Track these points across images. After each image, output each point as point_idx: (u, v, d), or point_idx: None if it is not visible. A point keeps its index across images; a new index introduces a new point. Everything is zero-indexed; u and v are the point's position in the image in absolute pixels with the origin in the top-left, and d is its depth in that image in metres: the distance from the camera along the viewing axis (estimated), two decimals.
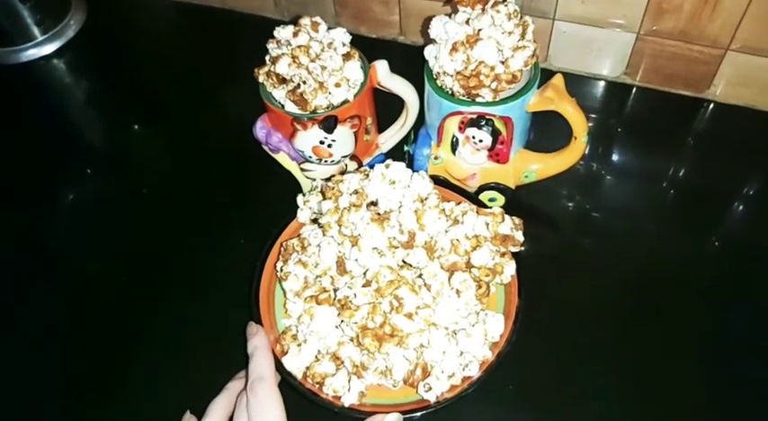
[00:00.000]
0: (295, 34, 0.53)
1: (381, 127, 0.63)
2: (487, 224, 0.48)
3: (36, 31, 0.85)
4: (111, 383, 0.56)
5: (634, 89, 0.73)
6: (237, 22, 0.85)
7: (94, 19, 0.88)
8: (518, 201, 0.61)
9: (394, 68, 0.57)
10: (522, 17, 0.52)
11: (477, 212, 0.49)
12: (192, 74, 0.81)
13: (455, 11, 0.53)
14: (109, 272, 0.63)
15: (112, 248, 0.65)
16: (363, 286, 0.45)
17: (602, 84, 0.74)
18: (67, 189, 0.72)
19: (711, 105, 0.70)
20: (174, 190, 0.69)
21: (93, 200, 0.70)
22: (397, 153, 0.63)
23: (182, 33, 0.89)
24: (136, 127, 0.78)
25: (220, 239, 0.64)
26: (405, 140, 0.63)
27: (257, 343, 0.47)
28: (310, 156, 0.57)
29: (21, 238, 0.67)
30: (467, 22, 0.52)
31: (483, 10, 0.52)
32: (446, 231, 0.47)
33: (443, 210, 0.47)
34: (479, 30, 0.51)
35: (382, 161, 0.51)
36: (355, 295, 0.44)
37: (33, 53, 0.85)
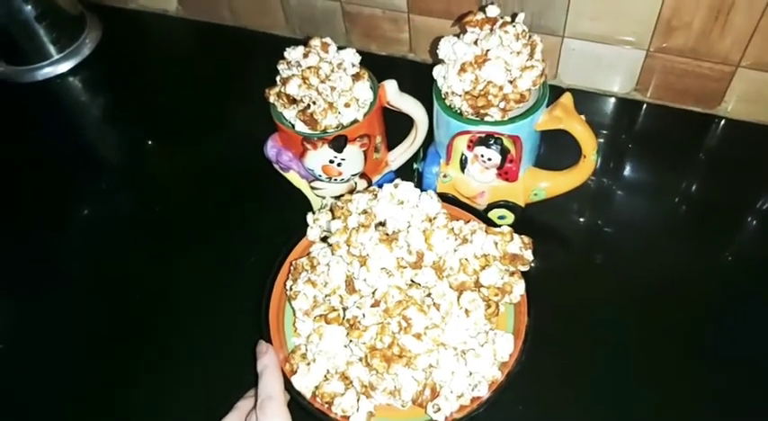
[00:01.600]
0: (305, 55, 0.54)
1: (391, 145, 0.63)
2: (496, 243, 0.48)
3: (52, 49, 0.86)
4: (119, 401, 0.56)
5: (644, 105, 0.73)
6: (249, 39, 0.87)
7: (109, 37, 0.90)
8: (528, 218, 0.61)
9: (403, 86, 0.57)
10: (530, 37, 0.52)
11: (486, 231, 0.49)
12: (204, 92, 0.82)
13: (463, 31, 0.54)
14: (121, 288, 0.64)
15: (125, 264, 0.66)
16: (372, 306, 0.45)
17: (612, 100, 0.74)
18: (82, 205, 0.73)
19: (723, 122, 0.70)
20: (185, 207, 0.70)
21: (108, 216, 0.71)
22: (406, 171, 0.64)
23: (195, 51, 0.90)
24: (149, 144, 0.79)
25: (231, 257, 0.64)
26: (414, 158, 0.63)
27: (267, 362, 0.47)
28: (320, 175, 0.58)
29: (36, 254, 0.68)
30: (475, 42, 0.52)
31: (491, 30, 0.52)
32: (455, 250, 0.47)
33: (452, 229, 0.47)
34: (488, 50, 0.51)
35: (392, 179, 0.51)
36: (364, 315, 0.45)
37: (49, 71, 0.87)
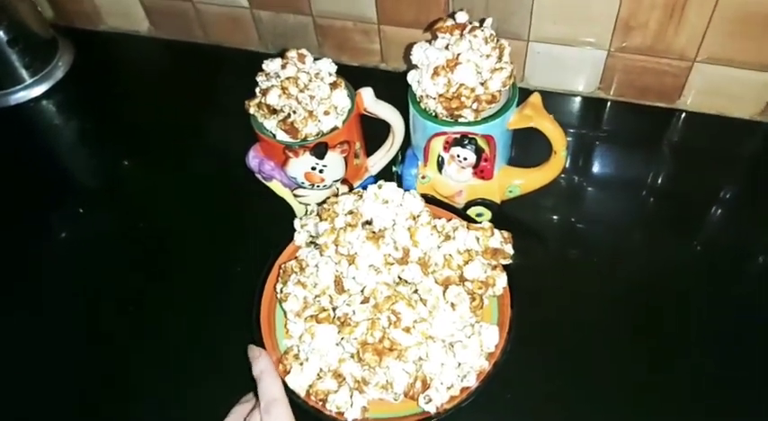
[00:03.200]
0: (283, 66, 0.56)
1: (369, 150, 0.65)
2: (478, 239, 0.50)
3: (24, 73, 0.87)
4: (113, 414, 0.57)
5: (609, 103, 0.76)
6: (223, 56, 0.88)
7: (82, 60, 0.90)
8: (504, 215, 0.63)
9: (377, 94, 0.59)
10: (498, 40, 0.55)
11: (468, 228, 0.51)
12: (180, 109, 0.83)
13: (435, 37, 0.56)
14: (106, 306, 0.64)
15: (110, 283, 0.66)
16: (361, 303, 0.46)
17: (577, 99, 0.77)
18: (62, 229, 0.73)
19: (684, 115, 0.73)
20: (169, 223, 0.71)
21: (89, 238, 0.71)
22: (385, 175, 0.66)
23: (169, 70, 0.91)
24: (128, 163, 0.79)
25: (217, 268, 0.65)
26: (393, 162, 0.65)
27: (263, 366, 0.48)
28: (303, 182, 0.59)
29: (16, 279, 0.68)
30: (446, 47, 0.55)
31: (461, 35, 0.54)
32: (438, 247, 0.49)
33: (435, 226, 0.49)
34: (458, 54, 0.54)
35: (372, 183, 0.53)
36: (354, 312, 0.46)
37: (23, 96, 0.87)
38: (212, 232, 0.69)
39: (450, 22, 0.55)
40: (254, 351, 0.50)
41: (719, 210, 0.66)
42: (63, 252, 0.71)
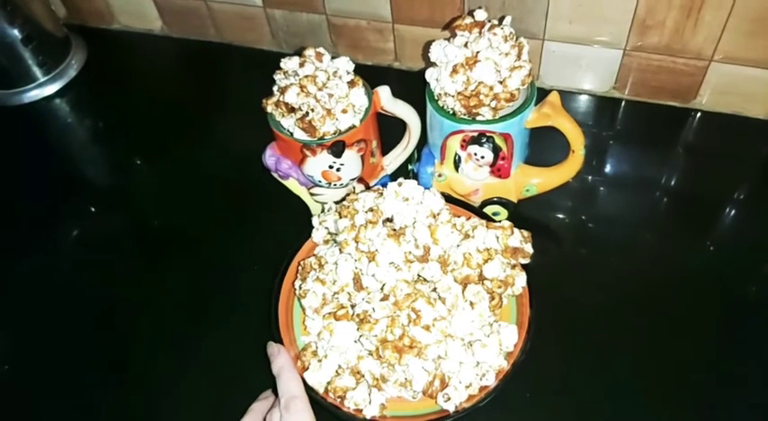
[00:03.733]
0: (301, 65, 0.56)
1: (385, 149, 0.65)
2: (497, 237, 0.50)
3: (38, 72, 0.87)
4: (131, 408, 0.57)
5: (623, 102, 0.76)
6: (236, 55, 0.88)
7: (95, 58, 0.91)
8: (520, 214, 0.63)
9: (392, 93, 0.59)
10: (517, 39, 0.55)
11: (487, 226, 0.50)
12: (193, 108, 0.83)
13: (454, 35, 0.56)
14: (119, 305, 0.64)
15: (123, 282, 0.66)
16: (381, 300, 0.46)
17: (592, 99, 0.76)
18: (75, 227, 0.73)
19: (699, 114, 0.73)
20: (183, 221, 0.71)
21: (103, 235, 0.71)
22: (401, 174, 0.65)
23: (182, 68, 0.92)
24: (141, 162, 0.79)
25: (235, 266, 0.65)
26: (409, 160, 0.65)
27: (282, 363, 0.48)
28: (320, 181, 0.59)
29: (28, 277, 0.68)
30: (465, 45, 0.55)
31: (480, 33, 0.54)
32: (458, 245, 0.49)
33: (455, 224, 0.49)
34: (477, 52, 0.54)
35: (388, 182, 0.53)
36: (374, 309, 0.46)
37: (36, 94, 0.87)
38: (227, 231, 0.69)
39: (469, 20, 0.55)
40: (272, 348, 0.50)
41: (735, 211, 0.66)
42: (75, 249, 0.71)
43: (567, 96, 0.76)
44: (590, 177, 0.69)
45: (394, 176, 0.65)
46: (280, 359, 0.49)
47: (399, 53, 0.81)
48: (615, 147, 0.73)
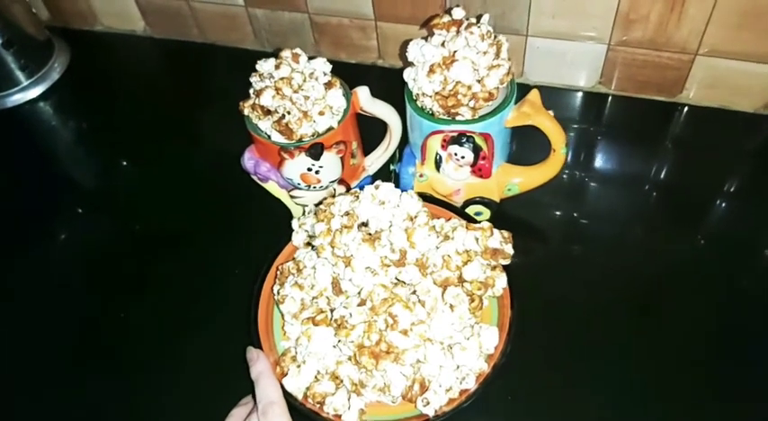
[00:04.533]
0: (277, 67, 0.55)
1: (366, 150, 0.64)
2: (477, 239, 0.49)
3: (20, 75, 0.86)
4: (111, 417, 0.57)
5: (610, 98, 0.75)
6: (219, 55, 0.87)
7: (78, 60, 0.90)
8: (503, 213, 0.62)
9: (375, 92, 0.58)
10: (495, 37, 0.54)
11: (467, 228, 0.50)
12: (176, 109, 0.83)
13: (431, 34, 0.55)
14: (105, 308, 0.64)
15: (105, 285, 0.66)
16: (358, 305, 0.46)
17: (578, 94, 0.76)
18: (59, 229, 0.72)
19: (686, 108, 0.72)
20: (165, 224, 0.70)
21: (86, 239, 0.71)
22: (383, 174, 0.65)
23: (165, 69, 0.91)
24: (124, 164, 0.79)
25: (215, 270, 0.64)
26: (390, 161, 0.65)
27: (260, 368, 0.48)
28: (299, 184, 0.59)
29: (12, 282, 0.68)
30: (442, 44, 0.54)
31: (457, 32, 0.53)
32: (437, 247, 0.48)
33: (433, 227, 0.48)
34: (455, 51, 0.53)
35: (370, 183, 0.52)
36: (351, 315, 0.46)
37: (19, 98, 0.86)
38: (208, 234, 0.68)
39: (446, 19, 0.54)
40: (251, 353, 0.50)
41: (722, 205, 0.65)
42: (59, 253, 0.70)
43: (552, 92, 0.75)
44: (576, 173, 0.69)
45: (376, 177, 0.64)
46: (258, 364, 0.48)
47: (383, 51, 0.80)
48: (602, 142, 0.72)
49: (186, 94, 0.85)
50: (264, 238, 0.59)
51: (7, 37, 0.83)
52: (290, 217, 0.63)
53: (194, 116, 0.81)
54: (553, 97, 0.75)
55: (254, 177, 0.61)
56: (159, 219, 0.71)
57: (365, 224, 0.47)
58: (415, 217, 0.48)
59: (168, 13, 0.87)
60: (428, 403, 0.45)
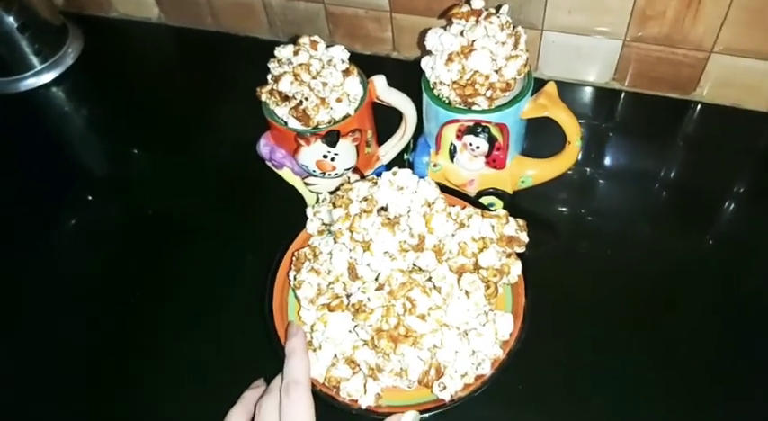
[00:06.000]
0: (295, 53, 0.55)
1: (381, 140, 0.64)
2: (492, 226, 0.50)
3: (34, 60, 0.86)
4: (122, 400, 0.57)
5: (623, 94, 0.75)
6: (233, 44, 0.87)
7: (92, 47, 0.90)
8: (515, 205, 0.63)
9: (389, 83, 0.59)
10: (514, 28, 0.54)
11: (482, 215, 0.50)
12: (190, 96, 0.83)
13: (450, 23, 0.55)
14: (117, 295, 0.64)
15: (121, 269, 0.66)
16: (376, 290, 0.46)
17: (591, 90, 0.76)
18: (72, 215, 0.73)
19: (699, 106, 0.73)
20: (178, 210, 0.70)
21: (98, 224, 0.71)
22: (397, 164, 0.65)
23: (178, 57, 0.91)
24: (136, 151, 0.79)
25: (228, 256, 0.65)
26: (404, 150, 0.65)
27: (295, 345, 0.48)
28: (314, 171, 0.59)
29: (23, 266, 0.68)
30: (461, 33, 0.54)
31: (477, 22, 0.54)
32: (453, 234, 0.49)
33: (450, 213, 0.48)
34: (473, 40, 0.53)
35: (383, 172, 0.53)
36: (369, 299, 0.46)
37: (32, 82, 0.86)
38: (222, 220, 0.68)
39: (465, 8, 0.55)
40: (293, 327, 0.49)
41: (734, 204, 0.65)
42: (71, 239, 0.70)
43: (565, 87, 0.75)
44: (588, 169, 0.69)
45: (390, 166, 0.64)
46: (294, 340, 0.48)
47: (397, 42, 0.80)
48: (614, 138, 0.72)
49: (199, 82, 0.85)
50: (277, 225, 0.59)
51: (23, 21, 0.83)
52: (303, 204, 0.64)
53: (207, 104, 0.81)
54: (566, 92, 0.74)
55: (269, 164, 0.61)
56: (171, 206, 0.71)
57: (384, 209, 0.48)
58: (433, 203, 0.48)
59: (183, 0, 0.87)
60: (444, 388, 0.46)
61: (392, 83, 0.59)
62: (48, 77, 0.87)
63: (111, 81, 0.87)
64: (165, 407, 0.56)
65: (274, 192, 0.64)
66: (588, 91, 0.76)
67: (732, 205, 0.65)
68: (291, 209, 0.60)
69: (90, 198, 0.74)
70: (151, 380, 0.58)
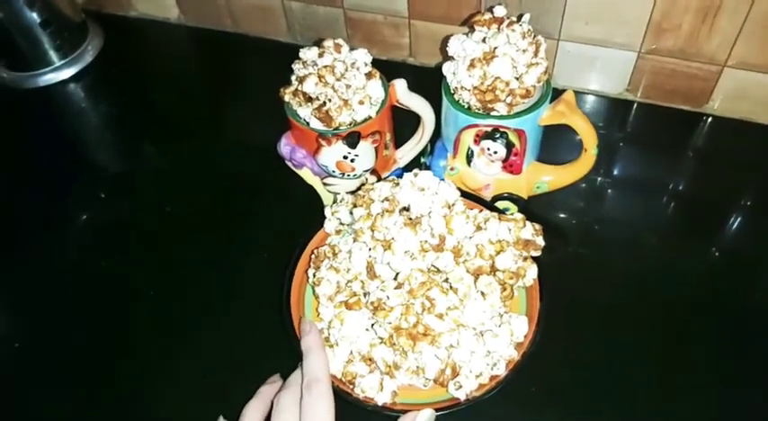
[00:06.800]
0: (320, 55, 0.56)
1: (398, 143, 0.65)
2: (509, 229, 0.50)
3: (54, 56, 0.88)
4: (139, 394, 0.57)
5: (635, 105, 0.76)
6: (251, 46, 0.88)
7: (111, 45, 0.91)
8: (530, 211, 0.63)
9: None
10: (535, 36, 0.55)
11: (499, 219, 0.51)
12: (207, 97, 0.84)
13: (472, 30, 0.56)
14: (133, 291, 0.65)
15: (132, 268, 0.66)
16: (395, 288, 0.47)
17: (605, 100, 0.77)
18: (86, 211, 0.73)
19: (710, 119, 0.74)
20: (194, 208, 0.71)
21: (113, 221, 0.71)
22: (413, 167, 0.65)
23: (197, 58, 0.92)
24: (153, 149, 0.80)
25: (245, 254, 0.65)
26: (421, 154, 0.66)
27: (311, 343, 0.48)
28: (333, 171, 0.60)
29: (36, 259, 0.68)
30: (483, 40, 0.55)
31: (499, 29, 0.55)
32: (470, 237, 0.49)
33: (468, 215, 0.49)
34: (495, 47, 0.54)
35: (400, 175, 0.54)
36: (388, 297, 0.47)
37: (51, 78, 0.87)
38: (239, 219, 0.69)
39: (488, 16, 0.56)
40: (305, 325, 0.50)
41: (742, 216, 0.66)
42: (86, 233, 0.71)
43: (579, 97, 0.75)
44: (600, 178, 0.70)
45: (406, 169, 0.65)
46: (310, 338, 0.49)
47: (414, 49, 0.81)
48: (626, 149, 0.73)
49: (216, 82, 0.86)
50: (294, 224, 0.60)
51: (45, 17, 0.84)
52: (321, 205, 0.64)
53: (224, 104, 0.82)
54: (580, 102, 0.76)
55: (289, 163, 0.62)
56: (188, 205, 0.72)
57: (406, 209, 0.49)
58: (453, 204, 0.49)
59: (203, 1, 0.88)
60: (460, 387, 0.46)
61: (408, 88, 0.60)
62: (67, 73, 0.88)
63: (129, 79, 0.88)
64: (182, 403, 0.56)
65: (292, 192, 0.65)
66: (601, 101, 0.77)
67: (740, 217, 0.66)
68: (308, 209, 0.61)
69: (103, 195, 0.75)
70: (166, 376, 0.58)
